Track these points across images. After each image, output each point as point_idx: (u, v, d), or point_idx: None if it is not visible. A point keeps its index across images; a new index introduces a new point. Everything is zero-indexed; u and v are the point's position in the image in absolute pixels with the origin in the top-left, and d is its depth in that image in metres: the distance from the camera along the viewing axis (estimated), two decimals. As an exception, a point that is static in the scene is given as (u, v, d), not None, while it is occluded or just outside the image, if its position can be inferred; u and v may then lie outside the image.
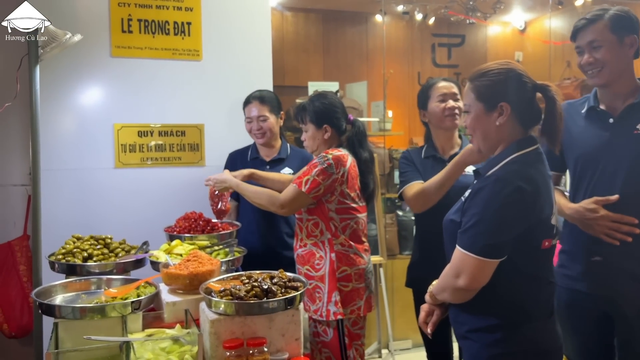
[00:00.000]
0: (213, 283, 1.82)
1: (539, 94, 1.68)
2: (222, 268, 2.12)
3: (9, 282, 3.06)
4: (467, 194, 1.69)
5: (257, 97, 2.86)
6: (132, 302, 1.72)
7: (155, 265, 2.19)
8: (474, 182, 1.71)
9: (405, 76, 5.64)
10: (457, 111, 2.46)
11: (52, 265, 2.16)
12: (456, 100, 2.48)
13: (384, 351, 4.01)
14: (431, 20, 5.55)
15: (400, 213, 4.26)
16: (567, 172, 2.24)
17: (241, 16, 3.23)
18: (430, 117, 2.52)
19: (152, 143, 3.08)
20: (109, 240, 2.31)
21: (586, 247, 2.02)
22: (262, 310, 1.63)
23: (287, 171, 2.84)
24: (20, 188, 3.15)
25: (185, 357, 1.60)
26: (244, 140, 3.00)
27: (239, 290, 1.68)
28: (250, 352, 1.57)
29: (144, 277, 1.97)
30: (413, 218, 2.63)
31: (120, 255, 2.24)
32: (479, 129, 1.71)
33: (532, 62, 5.56)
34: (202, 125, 3.17)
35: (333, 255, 2.30)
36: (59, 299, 1.87)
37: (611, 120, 2.00)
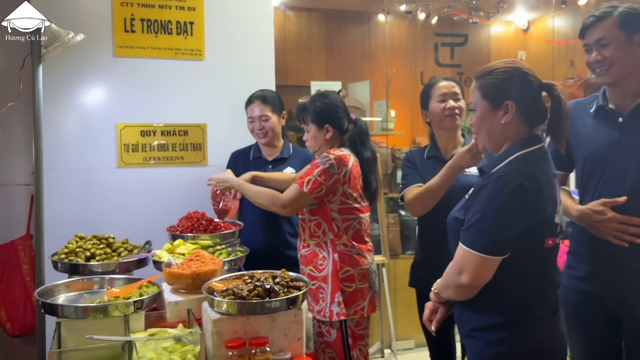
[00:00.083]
0: (215, 283, 1.82)
1: (544, 93, 1.68)
2: (225, 268, 2.12)
3: (12, 281, 3.06)
4: (471, 191, 1.69)
5: (259, 97, 2.86)
6: (135, 301, 1.72)
7: (157, 264, 2.19)
8: (479, 180, 1.72)
9: (408, 76, 5.64)
10: (457, 111, 2.45)
11: (54, 264, 2.16)
12: (457, 100, 2.46)
13: (387, 351, 4.01)
14: (434, 20, 5.54)
15: (402, 213, 4.25)
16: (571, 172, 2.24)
17: (244, 16, 3.23)
18: (431, 117, 2.52)
19: (155, 143, 3.08)
20: (111, 240, 2.32)
21: (595, 248, 1.99)
22: (265, 309, 1.63)
23: (289, 171, 2.84)
24: (24, 187, 3.15)
25: (187, 356, 1.60)
26: (247, 139, 3.00)
27: (242, 289, 1.68)
28: (253, 351, 1.57)
29: (147, 277, 1.97)
30: (416, 218, 2.63)
31: (122, 254, 2.24)
32: (484, 127, 1.71)
33: (535, 61, 5.55)
34: (204, 124, 3.17)
35: (336, 255, 2.30)
36: (61, 299, 1.87)
37: (620, 119, 1.97)
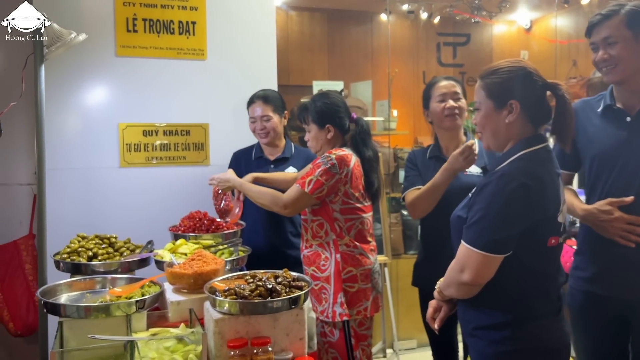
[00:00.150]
0: (217, 282, 1.82)
1: (549, 93, 1.68)
2: (227, 267, 2.12)
3: (14, 280, 3.07)
4: (474, 190, 1.69)
5: (260, 97, 2.85)
6: (137, 301, 1.72)
7: (159, 264, 2.19)
8: (482, 178, 1.72)
9: (410, 75, 5.63)
10: (456, 111, 2.43)
11: (57, 264, 2.16)
12: (457, 99, 2.45)
13: (389, 351, 4.01)
14: (436, 19, 5.54)
15: (405, 213, 4.25)
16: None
17: (246, 15, 3.23)
18: (432, 117, 2.51)
19: (157, 142, 3.09)
20: (113, 240, 2.32)
21: (602, 248, 1.97)
22: (267, 309, 1.63)
23: (291, 170, 2.83)
24: (26, 187, 3.16)
25: (189, 356, 1.60)
26: (249, 139, 3.00)
27: (243, 289, 1.68)
28: (255, 351, 1.57)
29: (149, 276, 1.97)
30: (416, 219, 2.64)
31: (125, 254, 2.24)
32: (488, 126, 1.71)
33: (538, 61, 5.53)
34: (206, 124, 3.17)
35: (338, 256, 2.30)
36: (64, 298, 1.87)
37: (628, 118, 1.95)
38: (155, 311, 1.90)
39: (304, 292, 1.71)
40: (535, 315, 1.63)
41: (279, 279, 1.77)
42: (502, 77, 1.67)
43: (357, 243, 2.32)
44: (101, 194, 2.99)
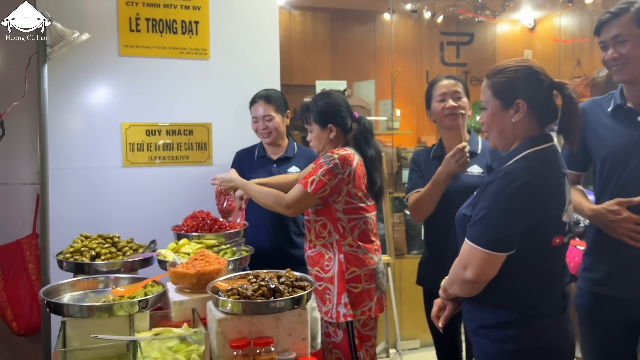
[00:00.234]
0: (220, 282, 1.81)
1: (555, 92, 1.68)
2: (230, 267, 2.12)
3: (18, 280, 3.07)
4: (479, 188, 1.69)
5: (262, 97, 2.85)
6: (140, 301, 1.72)
7: (162, 264, 2.19)
8: (487, 177, 1.71)
9: (413, 75, 5.62)
10: (457, 110, 2.41)
11: (60, 263, 2.16)
12: (457, 98, 2.43)
13: (392, 351, 4.00)
14: (440, 19, 5.52)
15: (408, 212, 4.24)
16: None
17: (249, 15, 3.23)
18: (434, 117, 2.51)
19: (160, 142, 3.09)
20: (116, 239, 2.32)
21: (612, 249, 1.94)
22: (269, 309, 1.63)
23: (294, 170, 2.84)
24: (29, 187, 3.16)
25: (192, 356, 1.59)
26: (252, 139, 3.00)
27: (246, 289, 1.67)
28: (257, 351, 1.56)
29: (152, 276, 1.96)
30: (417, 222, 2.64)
31: (127, 254, 2.24)
32: (495, 125, 1.71)
33: (542, 60, 5.46)
34: (209, 124, 3.17)
35: (341, 256, 2.29)
36: (66, 298, 1.87)
37: (639, 118, 1.93)
38: (158, 311, 1.89)
39: (306, 292, 1.70)
40: (540, 315, 1.63)
41: (282, 279, 1.77)
42: (509, 77, 1.66)
43: (360, 243, 2.31)
44: (104, 194, 2.99)
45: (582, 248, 3.06)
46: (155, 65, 3.06)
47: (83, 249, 2.18)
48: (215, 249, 2.29)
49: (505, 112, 1.67)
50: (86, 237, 2.30)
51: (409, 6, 5.35)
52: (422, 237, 2.69)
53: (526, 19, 5.74)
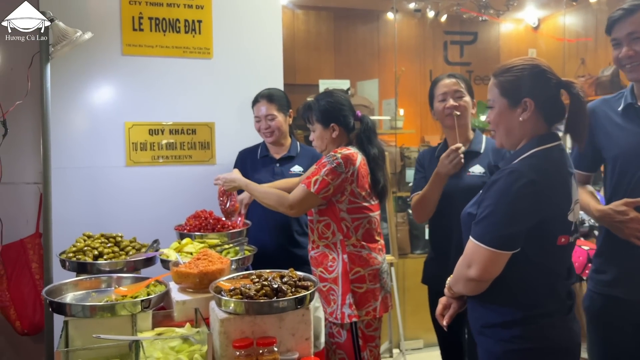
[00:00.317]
0: (223, 282, 1.81)
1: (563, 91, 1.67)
2: (232, 267, 2.11)
3: (21, 279, 3.07)
4: (485, 186, 1.69)
5: (265, 96, 2.85)
6: (142, 300, 1.71)
7: (165, 263, 2.19)
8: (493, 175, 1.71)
9: (417, 74, 5.60)
10: (457, 110, 2.39)
11: (63, 263, 2.16)
12: (459, 97, 2.41)
13: (395, 351, 3.99)
14: (443, 18, 5.51)
15: (411, 212, 4.23)
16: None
17: (252, 14, 3.22)
18: (436, 116, 2.50)
19: (163, 141, 3.08)
20: (119, 239, 2.32)
21: (623, 250, 1.91)
22: (272, 309, 1.62)
23: (297, 169, 2.83)
24: (33, 186, 3.16)
25: (194, 356, 1.59)
26: (255, 138, 2.99)
27: (249, 289, 1.67)
28: (260, 351, 1.56)
29: (154, 276, 1.96)
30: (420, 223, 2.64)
31: (130, 253, 2.24)
32: (502, 124, 1.70)
33: (546, 59, 5.43)
34: (212, 123, 3.16)
35: (345, 256, 2.28)
36: (69, 297, 1.87)
37: None
38: (161, 311, 1.89)
39: (310, 292, 1.70)
40: (544, 314, 1.62)
41: (285, 279, 1.76)
42: (516, 75, 1.66)
43: (364, 243, 2.30)
44: (107, 193, 2.99)
45: (586, 248, 3.05)
46: (158, 64, 3.06)
47: (86, 248, 2.18)
48: (218, 248, 2.29)
49: (512, 110, 1.66)
50: (89, 237, 2.30)
51: (412, 5, 5.33)
52: (427, 237, 2.68)
53: (530, 18, 5.72)
